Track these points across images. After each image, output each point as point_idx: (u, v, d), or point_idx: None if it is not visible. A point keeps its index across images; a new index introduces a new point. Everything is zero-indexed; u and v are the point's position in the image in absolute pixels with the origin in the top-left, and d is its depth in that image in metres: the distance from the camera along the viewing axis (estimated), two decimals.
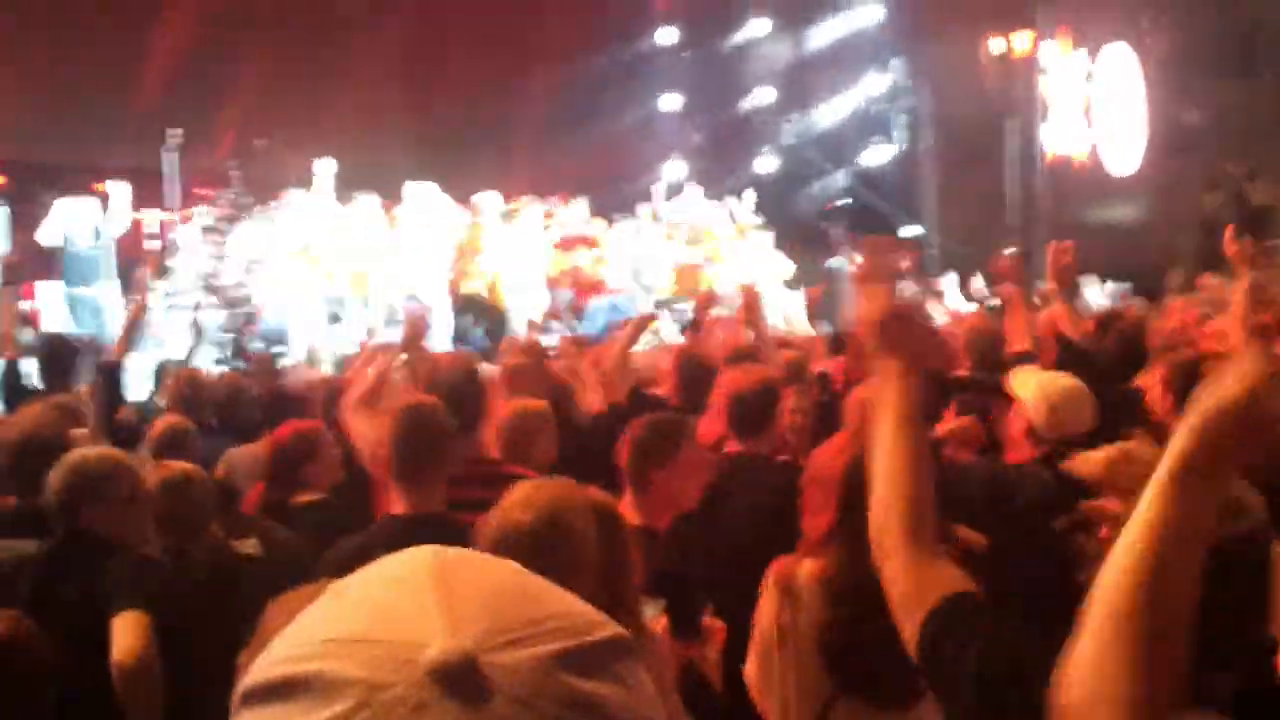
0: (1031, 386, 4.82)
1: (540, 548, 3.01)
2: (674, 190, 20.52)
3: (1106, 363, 6.25)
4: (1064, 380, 4.89)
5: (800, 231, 20.73)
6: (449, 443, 4.30)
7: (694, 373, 6.61)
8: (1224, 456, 1.66)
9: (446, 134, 20.19)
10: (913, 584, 2.18)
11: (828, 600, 3.50)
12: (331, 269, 16.18)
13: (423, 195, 16.95)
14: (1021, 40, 24.05)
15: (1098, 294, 15.96)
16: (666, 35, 23.73)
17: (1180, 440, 1.67)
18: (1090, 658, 1.66)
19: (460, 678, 0.81)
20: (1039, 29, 23.98)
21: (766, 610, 3.66)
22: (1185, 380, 5.55)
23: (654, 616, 3.66)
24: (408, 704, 0.80)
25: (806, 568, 3.62)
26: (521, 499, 3.11)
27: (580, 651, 0.86)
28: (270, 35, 19.74)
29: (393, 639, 0.83)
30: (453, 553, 0.93)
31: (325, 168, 16.65)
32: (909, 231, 23.24)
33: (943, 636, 2.09)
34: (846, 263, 19.62)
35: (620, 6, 23.36)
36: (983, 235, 21.68)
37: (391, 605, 0.86)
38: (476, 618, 0.85)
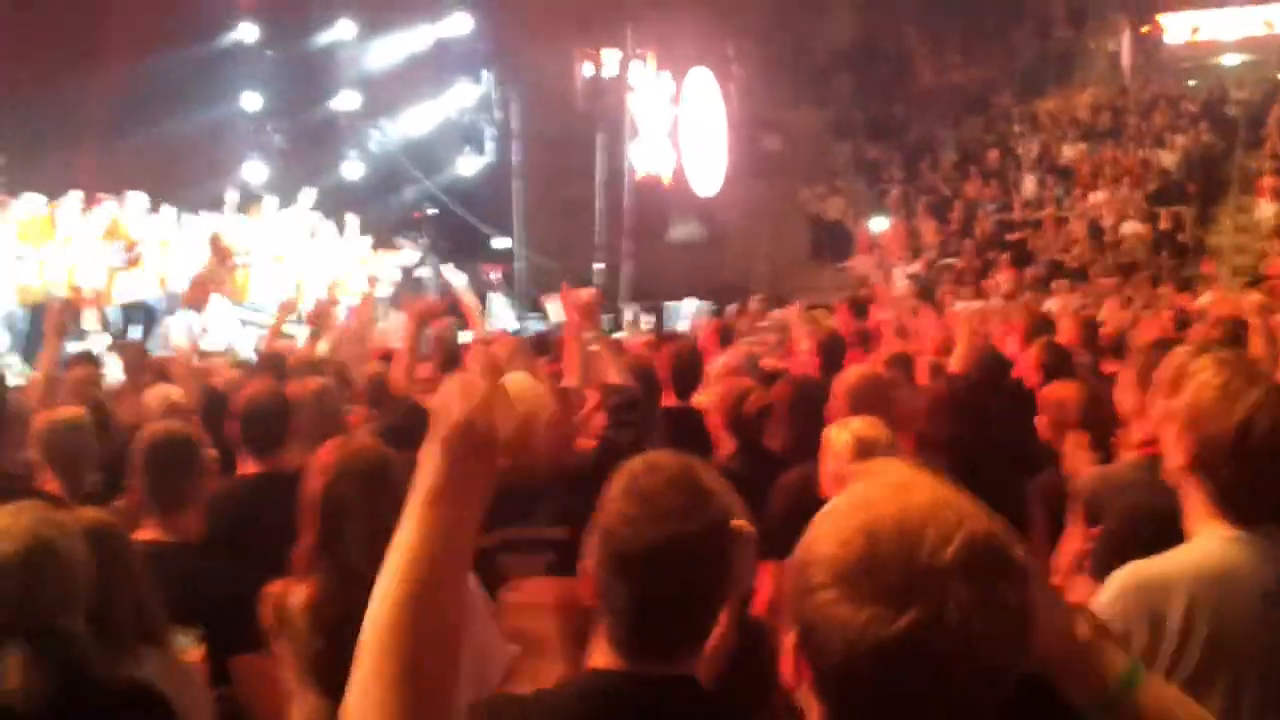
0: None
1: (25, 578, 2.89)
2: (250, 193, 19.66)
3: None
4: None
5: (386, 240, 20.17)
6: None
7: None
8: (466, 477, 1.70)
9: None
10: None
11: (315, 628, 3.26)
12: None
13: None
14: (610, 59, 24.35)
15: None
16: (247, 32, 22.64)
17: (427, 467, 1.71)
18: (357, 687, 1.63)
19: None
20: (626, 50, 24.31)
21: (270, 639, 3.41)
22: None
23: (189, 645, 3.55)
24: None
25: (298, 593, 3.33)
26: (2, 528, 2.96)
27: None
28: None
29: None
30: None
31: None
32: (498, 244, 23.08)
33: None
34: (433, 272, 19.26)
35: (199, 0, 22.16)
36: (571, 250, 21.76)
37: None
38: None
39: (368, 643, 1.65)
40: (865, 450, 4.05)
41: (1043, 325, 8.44)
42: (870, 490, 1.48)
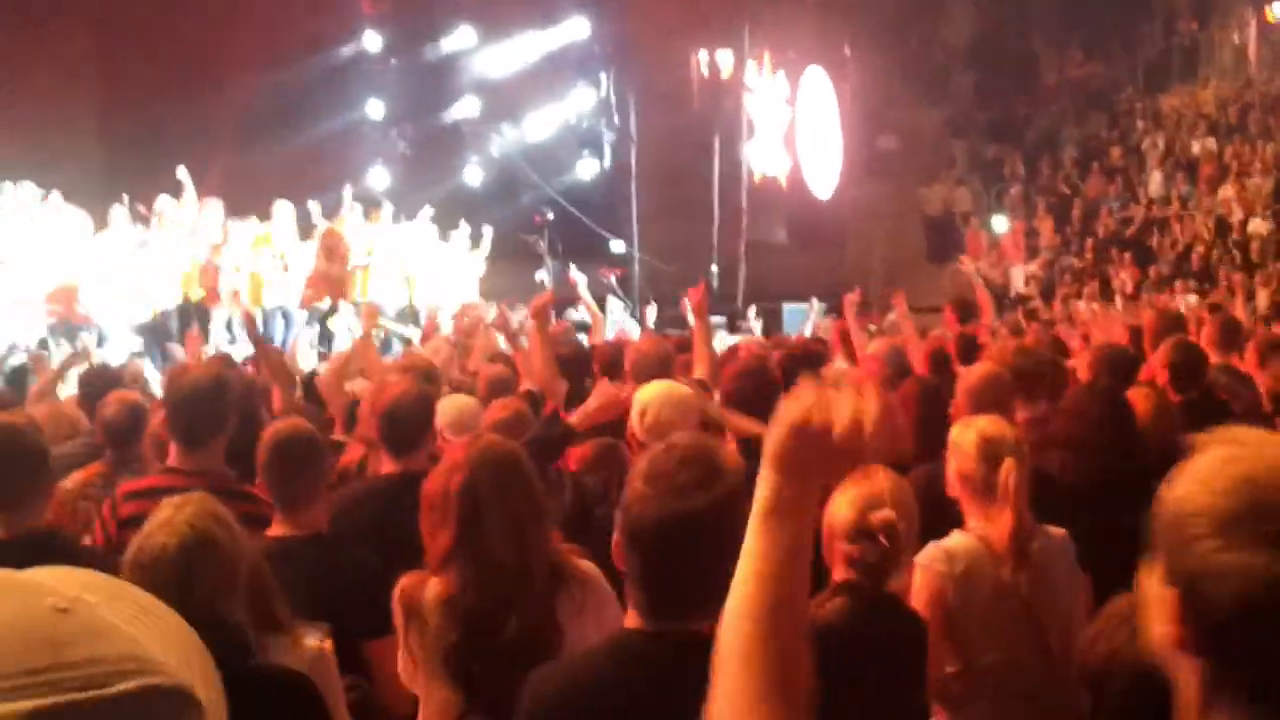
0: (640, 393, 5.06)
1: (186, 570, 3.01)
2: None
3: None
4: (666, 387, 5.11)
5: (507, 244, 20.39)
6: (37, 463, 4.24)
7: None
8: (803, 482, 1.65)
9: (135, 137, 19.09)
10: None
11: (451, 621, 3.32)
12: None
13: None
14: (725, 60, 24.37)
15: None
16: (371, 41, 23.11)
17: (764, 479, 1.66)
18: (722, 702, 1.65)
19: None
20: (743, 51, 24.31)
21: (399, 630, 3.49)
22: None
23: (320, 640, 3.60)
24: None
25: (431, 588, 3.38)
26: (163, 521, 3.11)
27: (71, 708, 0.80)
28: None
29: None
30: None
31: None
32: (614, 248, 23.20)
33: None
34: (550, 276, 19.44)
35: (323, 10, 22.61)
36: (688, 253, 21.81)
37: None
38: None
39: (726, 660, 1.66)
40: (991, 448, 4.06)
41: (1173, 324, 8.27)
42: (1234, 447, 1.49)
